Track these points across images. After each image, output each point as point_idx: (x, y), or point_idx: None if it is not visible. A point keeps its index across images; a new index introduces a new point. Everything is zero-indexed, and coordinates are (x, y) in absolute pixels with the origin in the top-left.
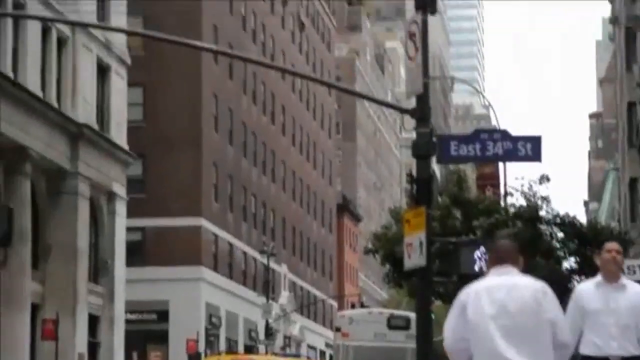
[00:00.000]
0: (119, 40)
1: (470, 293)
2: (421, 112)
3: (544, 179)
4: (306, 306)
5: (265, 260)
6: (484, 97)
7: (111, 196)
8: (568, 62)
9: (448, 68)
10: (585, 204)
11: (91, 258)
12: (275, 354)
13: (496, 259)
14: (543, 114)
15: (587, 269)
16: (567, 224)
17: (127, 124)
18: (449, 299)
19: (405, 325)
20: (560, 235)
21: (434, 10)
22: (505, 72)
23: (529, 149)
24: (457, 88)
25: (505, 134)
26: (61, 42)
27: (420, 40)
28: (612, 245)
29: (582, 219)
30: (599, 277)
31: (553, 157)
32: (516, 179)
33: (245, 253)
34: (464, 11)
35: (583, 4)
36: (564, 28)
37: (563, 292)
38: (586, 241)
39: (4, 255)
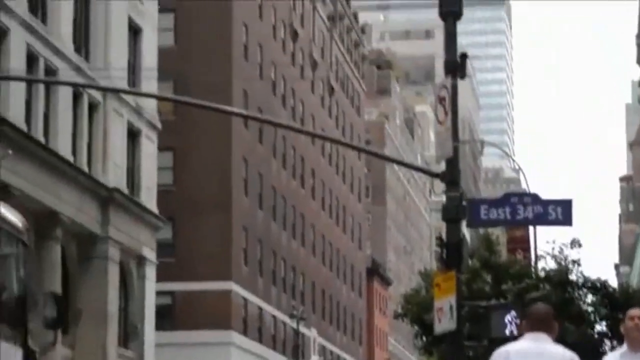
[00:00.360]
0: (150, 105)
1: (502, 353)
2: (451, 176)
3: (576, 243)
4: None
5: (294, 325)
6: (513, 160)
7: (141, 260)
8: (598, 125)
9: (478, 131)
10: (616, 267)
11: (121, 322)
12: None
13: (531, 325)
14: (573, 177)
15: (618, 334)
16: (598, 288)
17: (157, 187)
18: None
19: None
20: (591, 299)
21: (463, 75)
22: (535, 136)
23: (560, 212)
24: (487, 151)
25: (535, 198)
26: (92, 107)
27: (450, 104)
28: (635, 311)
29: (613, 282)
30: (624, 347)
31: (583, 220)
32: (547, 243)
33: (274, 317)
34: (493, 75)
35: (612, 67)
36: (594, 91)
37: (595, 357)
38: (617, 305)
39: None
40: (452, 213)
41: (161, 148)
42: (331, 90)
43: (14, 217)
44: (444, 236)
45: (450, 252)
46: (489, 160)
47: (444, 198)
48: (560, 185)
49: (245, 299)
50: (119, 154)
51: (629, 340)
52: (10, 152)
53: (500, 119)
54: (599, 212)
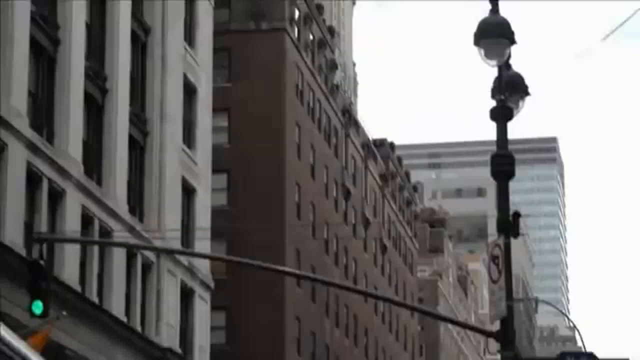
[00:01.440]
0: (203, 264)
1: None
2: (505, 335)
3: None
4: None
5: None
6: (568, 319)
7: None
8: None
9: (531, 289)
10: None
11: None
12: None
13: None
14: (630, 333)
15: None
16: None
17: (210, 347)
18: None
19: None
20: None
21: (516, 234)
22: (590, 292)
23: None
24: (542, 309)
25: (592, 357)
26: (146, 268)
27: (504, 263)
28: None
29: None
30: None
31: None
32: None
33: None
34: (546, 232)
35: None
36: None
37: None
38: None
39: None
40: None
41: (214, 307)
42: (384, 248)
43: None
44: None
45: None
46: (544, 318)
47: (498, 357)
48: (617, 343)
49: None
50: (172, 314)
51: None
52: (64, 313)
53: (554, 277)
54: None
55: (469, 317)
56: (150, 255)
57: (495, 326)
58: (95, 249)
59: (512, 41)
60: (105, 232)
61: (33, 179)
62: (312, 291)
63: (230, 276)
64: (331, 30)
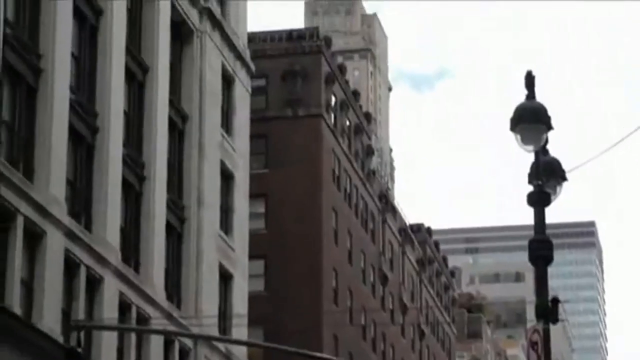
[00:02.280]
0: (240, 351)
1: None
2: None
3: None
4: None
5: None
6: None
7: None
8: None
9: None
10: None
11: None
12: None
13: None
14: None
15: None
16: None
17: None
18: None
19: None
20: None
21: (555, 320)
22: None
23: None
24: None
25: None
26: (183, 354)
27: (543, 349)
28: None
29: None
30: None
31: None
32: None
33: None
34: (586, 318)
35: None
36: None
37: None
38: None
39: None
40: None
41: None
42: (422, 334)
43: None
44: None
45: None
46: None
47: None
48: None
49: None
50: None
51: None
52: None
53: None
54: None
55: None
56: (188, 342)
57: None
58: (133, 336)
59: (549, 127)
60: (143, 319)
61: (71, 266)
62: None
63: None
64: (367, 116)
